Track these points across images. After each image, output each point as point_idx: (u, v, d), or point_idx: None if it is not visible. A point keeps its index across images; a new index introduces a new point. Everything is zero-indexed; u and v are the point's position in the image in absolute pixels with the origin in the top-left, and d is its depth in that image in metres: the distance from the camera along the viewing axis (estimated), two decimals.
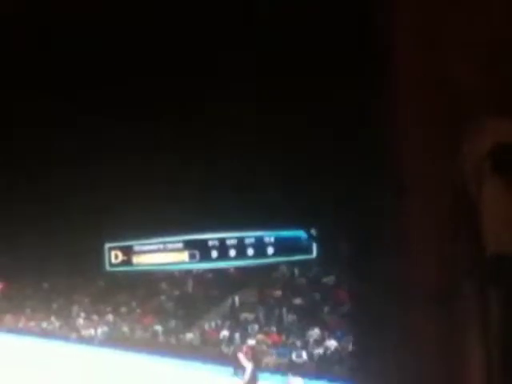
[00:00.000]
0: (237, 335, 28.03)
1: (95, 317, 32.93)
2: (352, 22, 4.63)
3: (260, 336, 27.47)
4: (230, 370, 25.52)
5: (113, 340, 30.73)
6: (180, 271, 29.22)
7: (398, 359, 4.26)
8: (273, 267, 28.32)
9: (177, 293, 32.19)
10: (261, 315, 28.79)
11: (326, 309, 27.26)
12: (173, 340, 29.52)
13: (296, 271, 29.40)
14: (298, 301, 28.41)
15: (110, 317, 32.51)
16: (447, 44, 4.11)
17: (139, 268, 18.12)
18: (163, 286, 32.46)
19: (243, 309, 29.59)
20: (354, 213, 4.61)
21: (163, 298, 32.31)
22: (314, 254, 18.11)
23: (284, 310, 28.36)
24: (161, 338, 30.18)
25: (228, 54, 5.43)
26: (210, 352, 27.68)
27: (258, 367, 25.73)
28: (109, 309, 32.90)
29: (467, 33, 4.05)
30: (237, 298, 30.29)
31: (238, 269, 28.88)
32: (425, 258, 4.15)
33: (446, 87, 4.10)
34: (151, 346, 29.04)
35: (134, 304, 32.42)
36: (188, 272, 29.91)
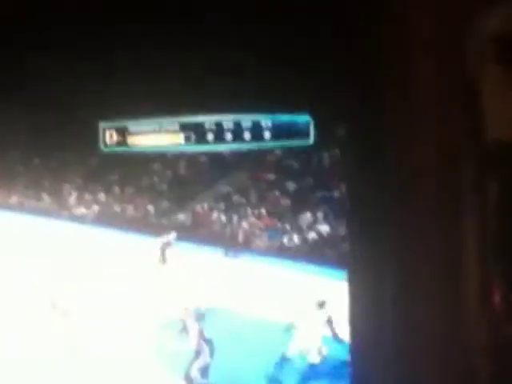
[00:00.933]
0: (228, 217, 28.08)
1: (87, 196, 32.84)
2: None
3: (252, 219, 27.54)
4: (222, 250, 25.72)
5: (104, 219, 30.77)
6: (174, 152, 29.06)
7: (392, 242, 4.25)
8: (267, 151, 28.16)
9: (170, 174, 32.10)
10: (253, 198, 28.78)
11: (319, 194, 27.24)
12: (164, 220, 29.57)
13: (290, 155, 29.25)
14: (291, 185, 28.37)
15: (102, 196, 32.44)
16: None
17: (134, 149, 17.87)
18: (156, 166, 32.31)
19: (236, 191, 29.56)
20: (352, 96, 4.48)
21: (156, 178, 32.22)
22: (312, 139, 17.95)
23: (277, 193, 28.33)
24: (152, 218, 30.24)
25: None
26: (202, 233, 27.79)
27: (249, 249, 25.94)
28: (101, 188, 32.80)
29: None
30: (230, 181, 30.23)
31: (231, 152, 28.71)
32: (424, 136, 4.14)
33: None
34: (143, 225, 29.11)
35: (126, 184, 32.32)
36: (182, 153, 29.75)
